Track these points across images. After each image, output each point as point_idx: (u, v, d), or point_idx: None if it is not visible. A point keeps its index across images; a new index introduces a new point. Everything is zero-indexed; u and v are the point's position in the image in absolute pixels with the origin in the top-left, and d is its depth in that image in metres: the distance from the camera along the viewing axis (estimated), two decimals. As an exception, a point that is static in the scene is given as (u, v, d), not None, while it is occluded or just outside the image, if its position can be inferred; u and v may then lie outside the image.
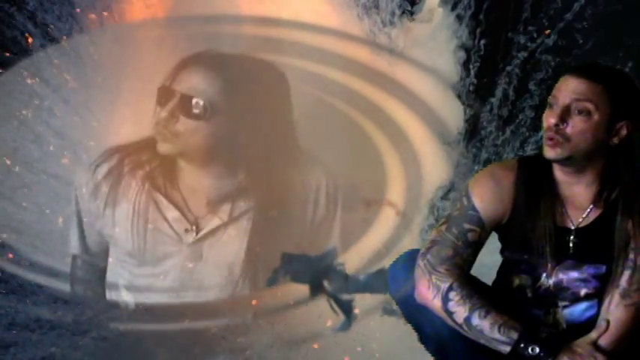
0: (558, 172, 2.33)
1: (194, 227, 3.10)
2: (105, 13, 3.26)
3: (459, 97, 3.39)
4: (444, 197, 3.33)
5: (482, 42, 3.39)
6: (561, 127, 2.23)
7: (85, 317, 3.17)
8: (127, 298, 3.13)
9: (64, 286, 3.23)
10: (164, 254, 3.11)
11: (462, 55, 3.40)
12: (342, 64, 3.34)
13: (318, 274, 3.12)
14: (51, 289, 3.21)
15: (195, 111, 2.98)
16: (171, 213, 3.09)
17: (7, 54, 3.24)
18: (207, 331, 3.17)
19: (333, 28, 3.33)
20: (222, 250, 3.10)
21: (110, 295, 3.21)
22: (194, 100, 2.99)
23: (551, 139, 2.24)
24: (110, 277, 3.22)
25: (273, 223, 3.14)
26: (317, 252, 3.19)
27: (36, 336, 3.12)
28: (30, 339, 3.11)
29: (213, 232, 3.11)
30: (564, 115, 2.24)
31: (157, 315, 3.17)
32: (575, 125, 2.24)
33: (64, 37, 3.25)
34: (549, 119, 2.25)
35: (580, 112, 2.23)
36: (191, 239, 3.10)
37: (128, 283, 3.18)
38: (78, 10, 3.23)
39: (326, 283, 3.11)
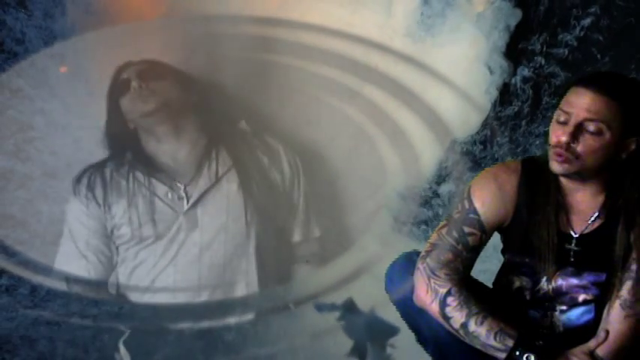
0: (563, 180, 2.29)
1: (184, 194, 3.28)
2: (104, 14, 3.27)
3: (474, 104, 3.38)
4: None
5: (502, 50, 3.39)
6: (572, 145, 2.19)
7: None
8: (124, 356, 3.16)
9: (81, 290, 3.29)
10: (165, 229, 3.25)
11: (482, 66, 3.40)
12: (343, 64, 3.34)
13: (369, 339, 3.03)
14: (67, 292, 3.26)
15: (152, 76, 3.26)
16: (161, 189, 3.28)
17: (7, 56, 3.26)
18: (213, 330, 3.19)
19: (333, 28, 3.33)
20: (214, 213, 3.28)
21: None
22: (149, 72, 3.27)
23: (559, 155, 2.20)
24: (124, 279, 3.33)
25: (255, 185, 3.34)
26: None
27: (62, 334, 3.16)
28: (53, 336, 3.16)
29: (203, 195, 3.28)
30: (576, 133, 2.19)
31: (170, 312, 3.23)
32: (587, 144, 2.19)
33: (63, 40, 3.28)
34: (560, 136, 2.20)
35: (592, 131, 2.19)
36: (185, 207, 3.27)
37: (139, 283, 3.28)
38: (77, 11, 3.24)
39: (369, 352, 3.02)
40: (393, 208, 3.32)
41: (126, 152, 3.30)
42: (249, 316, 3.25)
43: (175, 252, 3.23)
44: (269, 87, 3.37)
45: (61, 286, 3.24)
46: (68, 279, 3.26)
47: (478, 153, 3.35)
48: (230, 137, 3.36)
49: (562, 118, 2.22)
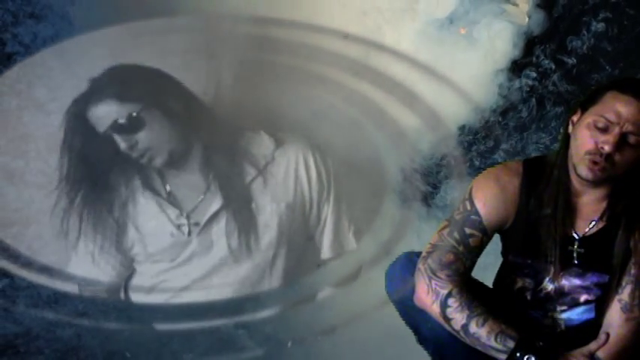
0: (575, 183, 2.26)
1: (189, 220, 3.21)
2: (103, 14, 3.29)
3: (479, 110, 3.39)
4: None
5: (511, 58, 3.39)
6: (612, 154, 2.16)
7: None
8: None
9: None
10: (178, 252, 3.22)
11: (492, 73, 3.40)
12: (344, 64, 3.36)
13: None
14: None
15: (128, 126, 3.12)
16: (172, 211, 3.21)
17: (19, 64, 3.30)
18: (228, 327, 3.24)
19: (333, 28, 3.35)
20: (229, 234, 3.21)
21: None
22: (121, 123, 3.12)
23: (596, 162, 2.16)
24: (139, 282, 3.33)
25: (272, 202, 3.26)
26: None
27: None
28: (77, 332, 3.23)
29: (215, 216, 3.20)
30: (620, 145, 2.15)
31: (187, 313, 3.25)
32: (624, 155, 2.16)
33: (61, 41, 3.29)
34: (603, 145, 2.15)
35: (632, 143, 2.16)
36: (197, 230, 3.21)
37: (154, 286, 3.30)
38: (75, 12, 3.28)
39: None
40: (393, 208, 3.35)
41: (134, 170, 3.23)
42: (268, 313, 3.28)
43: (191, 271, 3.22)
44: (275, 88, 3.39)
45: (74, 289, 3.27)
46: (81, 283, 3.28)
47: (479, 161, 3.37)
48: (241, 152, 3.27)
49: (602, 125, 2.17)
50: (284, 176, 3.25)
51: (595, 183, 2.22)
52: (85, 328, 3.20)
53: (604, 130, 2.17)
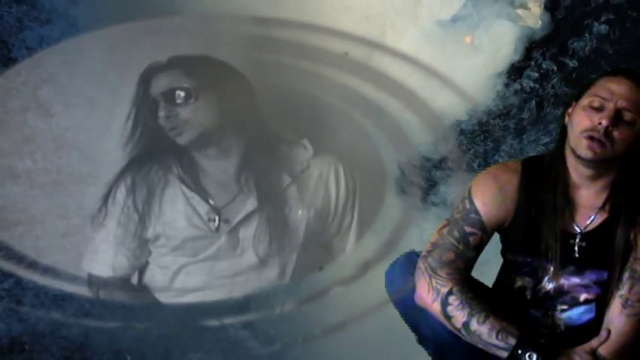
0: (574, 175, 2.28)
1: (220, 216, 3.27)
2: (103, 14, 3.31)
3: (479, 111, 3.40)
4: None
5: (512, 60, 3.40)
6: (609, 129, 2.19)
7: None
8: None
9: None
10: (204, 247, 3.27)
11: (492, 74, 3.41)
12: (346, 65, 3.38)
13: None
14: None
15: (179, 101, 3.22)
16: (203, 207, 3.25)
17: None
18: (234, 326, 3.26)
19: (333, 28, 3.37)
20: (258, 235, 3.27)
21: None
22: (176, 92, 3.23)
23: (594, 139, 2.19)
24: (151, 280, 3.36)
25: (301, 208, 3.35)
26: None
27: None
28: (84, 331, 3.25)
29: (247, 217, 3.27)
30: (616, 119, 2.19)
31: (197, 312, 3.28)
32: (622, 131, 2.20)
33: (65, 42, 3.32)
34: (600, 120, 2.19)
35: (628, 120, 2.20)
36: (227, 228, 3.26)
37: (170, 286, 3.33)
38: (78, 13, 3.30)
39: None
40: (395, 206, 3.36)
41: (171, 160, 3.29)
42: (273, 312, 3.32)
43: (212, 268, 3.27)
44: (276, 88, 3.41)
45: (80, 289, 3.29)
46: (91, 281, 3.29)
47: (479, 161, 3.38)
48: (280, 157, 3.36)
49: (597, 104, 2.22)
50: (315, 183, 3.33)
51: (595, 164, 2.23)
52: (92, 326, 3.22)
53: (599, 109, 2.21)
